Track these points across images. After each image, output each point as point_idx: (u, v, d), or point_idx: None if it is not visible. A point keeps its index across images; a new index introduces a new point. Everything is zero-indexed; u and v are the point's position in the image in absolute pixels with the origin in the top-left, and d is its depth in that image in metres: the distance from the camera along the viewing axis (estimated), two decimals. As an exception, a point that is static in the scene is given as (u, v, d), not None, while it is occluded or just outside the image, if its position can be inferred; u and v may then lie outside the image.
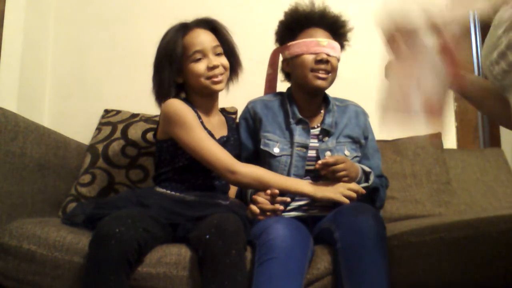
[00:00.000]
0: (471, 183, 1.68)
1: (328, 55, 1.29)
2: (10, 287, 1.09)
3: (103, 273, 0.92)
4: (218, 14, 1.39)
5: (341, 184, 1.20)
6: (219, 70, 1.29)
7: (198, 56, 1.27)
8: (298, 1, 1.39)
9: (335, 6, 1.39)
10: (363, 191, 1.21)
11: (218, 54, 1.31)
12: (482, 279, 1.06)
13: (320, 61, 1.29)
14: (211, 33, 1.32)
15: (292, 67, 1.36)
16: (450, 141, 1.88)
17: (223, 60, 1.31)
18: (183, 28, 1.31)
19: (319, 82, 1.29)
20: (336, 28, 1.36)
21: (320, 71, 1.29)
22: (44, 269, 1.06)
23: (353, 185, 1.21)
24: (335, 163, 1.18)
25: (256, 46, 1.54)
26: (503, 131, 2.06)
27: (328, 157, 1.21)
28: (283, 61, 1.41)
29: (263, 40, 1.46)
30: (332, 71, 1.31)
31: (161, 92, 1.30)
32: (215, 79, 1.28)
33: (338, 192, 1.18)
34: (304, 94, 1.36)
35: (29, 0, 1.79)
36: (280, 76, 1.46)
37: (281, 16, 1.40)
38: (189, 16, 1.35)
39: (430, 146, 1.63)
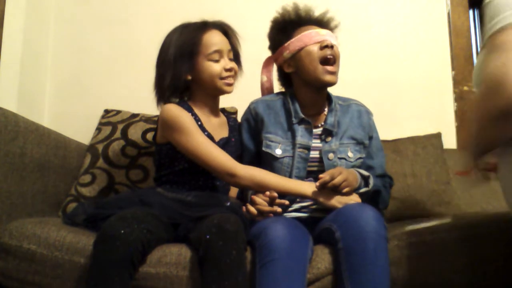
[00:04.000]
0: (471, 183, 1.68)
1: (331, 41, 1.29)
2: (10, 287, 1.09)
3: (107, 274, 0.92)
4: (219, 14, 1.39)
5: (345, 197, 1.19)
6: (232, 73, 1.32)
7: (216, 56, 1.29)
8: (284, 5, 1.40)
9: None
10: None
11: (231, 59, 1.33)
12: (482, 279, 1.06)
13: (326, 47, 1.28)
14: (225, 37, 1.34)
15: (296, 64, 1.33)
16: (450, 141, 1.88)
17: (235, 65, 1.34)
18: (204, 26, 1.33)
19: (329, 78, 1.28)
20: (326, 23, 1.37)
21: (329, 66, 1.27)
22: (44, 269, 1.06)
23: (356, 198, 1.21)
24: (331, 179, 1.16)
25: (257, 46, 1.53)
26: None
27: (323, 175, 1.18)
28: (283, 63, 1.37)
29: (263, 40, 1.45)
30: (337, 60, 1.30)
31: (176, 87, 1.29)
32: (229, 81, 1.31)
33: (342, 202, 1.17)
34: (309, 91, 1.34)
35: (29, 0, 1.79)
36: (277, 84, 1.46)
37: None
38: (189, 17, 1.35)
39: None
